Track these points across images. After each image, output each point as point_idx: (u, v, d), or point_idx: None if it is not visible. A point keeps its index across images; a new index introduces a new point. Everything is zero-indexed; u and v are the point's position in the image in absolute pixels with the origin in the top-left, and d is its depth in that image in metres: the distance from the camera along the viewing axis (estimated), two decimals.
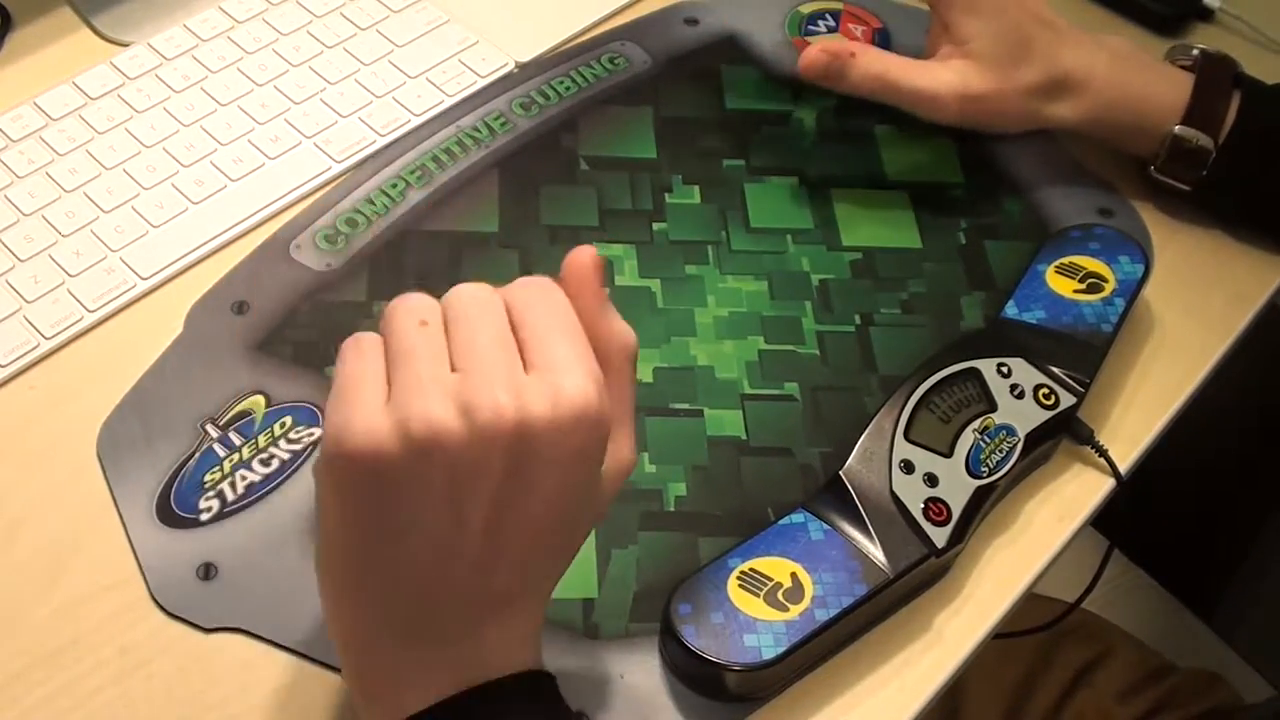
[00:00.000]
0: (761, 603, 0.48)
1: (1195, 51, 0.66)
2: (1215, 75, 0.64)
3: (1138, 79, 0.65)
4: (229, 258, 0.62)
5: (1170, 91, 0.64)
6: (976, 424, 0.54)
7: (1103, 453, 0.57)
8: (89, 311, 0.59)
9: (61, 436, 0.55)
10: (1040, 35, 0.64)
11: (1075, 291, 0.60)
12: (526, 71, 0.71)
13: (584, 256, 0.42)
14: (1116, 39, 0.66)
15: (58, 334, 0.58)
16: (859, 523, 0.51)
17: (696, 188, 0.66)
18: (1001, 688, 0.80)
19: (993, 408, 0.55)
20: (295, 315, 0.59)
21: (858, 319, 0.61)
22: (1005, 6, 0.64)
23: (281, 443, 0.55)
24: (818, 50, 0.64)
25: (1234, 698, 0.82)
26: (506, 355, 0.39)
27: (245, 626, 0.49)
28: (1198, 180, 0.64)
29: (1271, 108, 0.64)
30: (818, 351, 0.60)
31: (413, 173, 0.65)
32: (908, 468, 0.52)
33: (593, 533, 0.53)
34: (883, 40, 0.75)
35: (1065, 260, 0.61)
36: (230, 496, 0.53)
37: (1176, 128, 0.63)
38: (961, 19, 0.64)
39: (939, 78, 0.64)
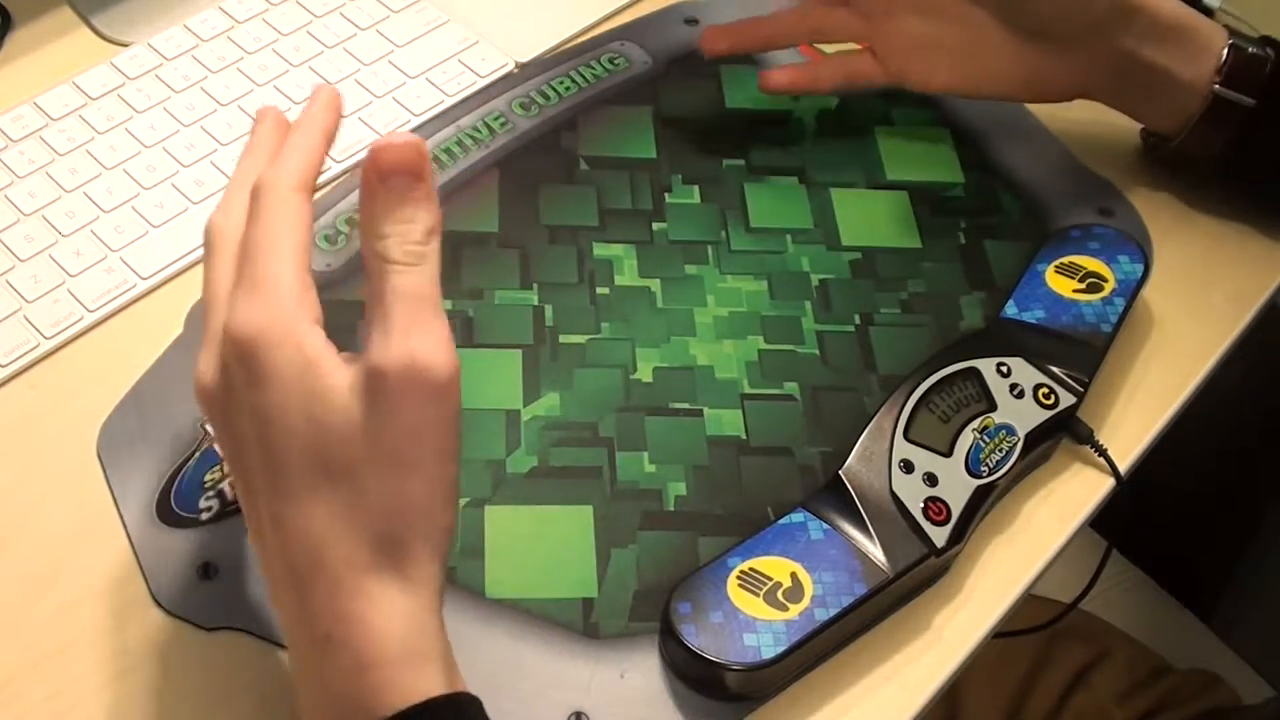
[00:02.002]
0: (761, 602, 0.48)
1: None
2: (1235, 29, 0.64)
3: (1170, 3, 0.63)
4: None
5: (1206, 22, 0.63)
6: (976, 423, 0.54)
7: (1102, 452, 0.57)
8: (89, 311, 0.59)
9: (61, 436, 0.55)
10: None
11: (1075, 291, 0.60)
12: (526, 71, 0.71)
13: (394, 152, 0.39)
14: None
15: (58, 334, 0.58)
16: (859, 522, 0.51)
17: (696, 188, 0.66)
18: (1000, 688, 0.81)
19: (992, 407, 0.55)
20: None
21: (857, 319, 0.61)
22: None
23: None
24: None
25: (1232, 698, 0.82)
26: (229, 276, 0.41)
27: (245, 626, 0.49)
28: (1264, 91, 0.62)
29: None
30: (817, 351, 0.60)
31: None
32: (907, 467, 0.52)
33: (592, 532, 0.53)
34: None
35: (1065, 260, 0.61)
36: (230, 496, 0.53)
37: (1231, 40, 0.62)
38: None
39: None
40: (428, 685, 0.38)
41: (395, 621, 0.38)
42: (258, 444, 0.39)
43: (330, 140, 0.44)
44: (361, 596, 0.38)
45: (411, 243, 0.39)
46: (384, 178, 0.39)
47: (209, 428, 0.42)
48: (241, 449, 0.40)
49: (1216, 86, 0.62)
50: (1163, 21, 0.62)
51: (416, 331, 0.38)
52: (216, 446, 0.42)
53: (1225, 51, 0.62)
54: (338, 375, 0.39)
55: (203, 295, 0.42)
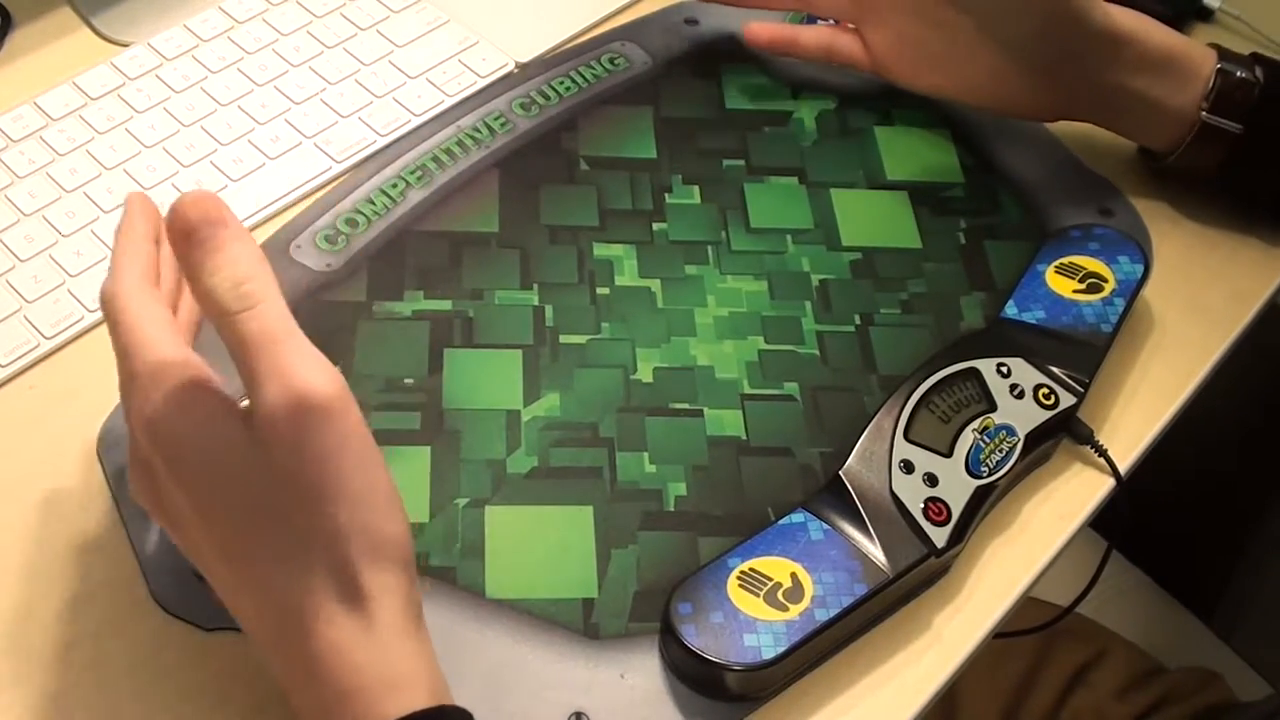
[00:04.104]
0: (761, 602, 0.48)
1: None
2: (1229, 50, 0.64)
3: (1160, 32, 0.63)
4: None
5: (1194, 47, 0.63)
6: (976, 424, 0.54)
7: (1102, 452, 0.57)
8: (89, 311, 0.59)
9: (61, 436, 0.55)
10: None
11: (1075, 291, 0.60)
12: (527, 71, 0.71)
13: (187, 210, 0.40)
14: None
15: (58, 334, 0.58)
16: (859, 523, 0.51)
17: (696, 188, 0.66)
18: (999, 688, 0.81)
19: (992, 408, 0.55)
20: (295, 315, 0.58)
21: (858, 319, 0.61)
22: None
23: None
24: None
25: (1230, 695, 0.82)
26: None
27: None
28: (1250, 117, 0.62)
29: None
30: (818, 351, 0.60)
31: (413, 173, 0.65)
32: (907, 467, 0.52)
33: (592, 533, 0.53)
34: None
35: (1065, 260, 0.61)
36: None
37: (1219, 64, 0.62)
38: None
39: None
40: (400, 706, 0.39)
41: (361, 650, 0.39)
42: (194, 517, 0.40)
43: (153, 237, 0.46)
44: (327, 632, 0.39)
45: (236, 286, 0.39)
46: (188, 236, 0.39)
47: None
48: (186, 529, 0.41)
49: (1204, 114, 0.62)
50: (1151, 52, 0.62)
51: (280, 369, 0.38)
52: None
53: (1212, 78, 0.62)
54: (238, 433, 0.39)
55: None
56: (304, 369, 0.38)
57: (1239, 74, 0.62)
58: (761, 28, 0.69)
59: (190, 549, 0.42)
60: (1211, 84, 0.62)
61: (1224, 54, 0.63)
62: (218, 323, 0.39)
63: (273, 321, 0.39)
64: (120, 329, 0.41)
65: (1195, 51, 0.63)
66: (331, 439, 0.38)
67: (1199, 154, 0.64)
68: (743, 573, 0.49)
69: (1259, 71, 0.62)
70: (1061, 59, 0.62)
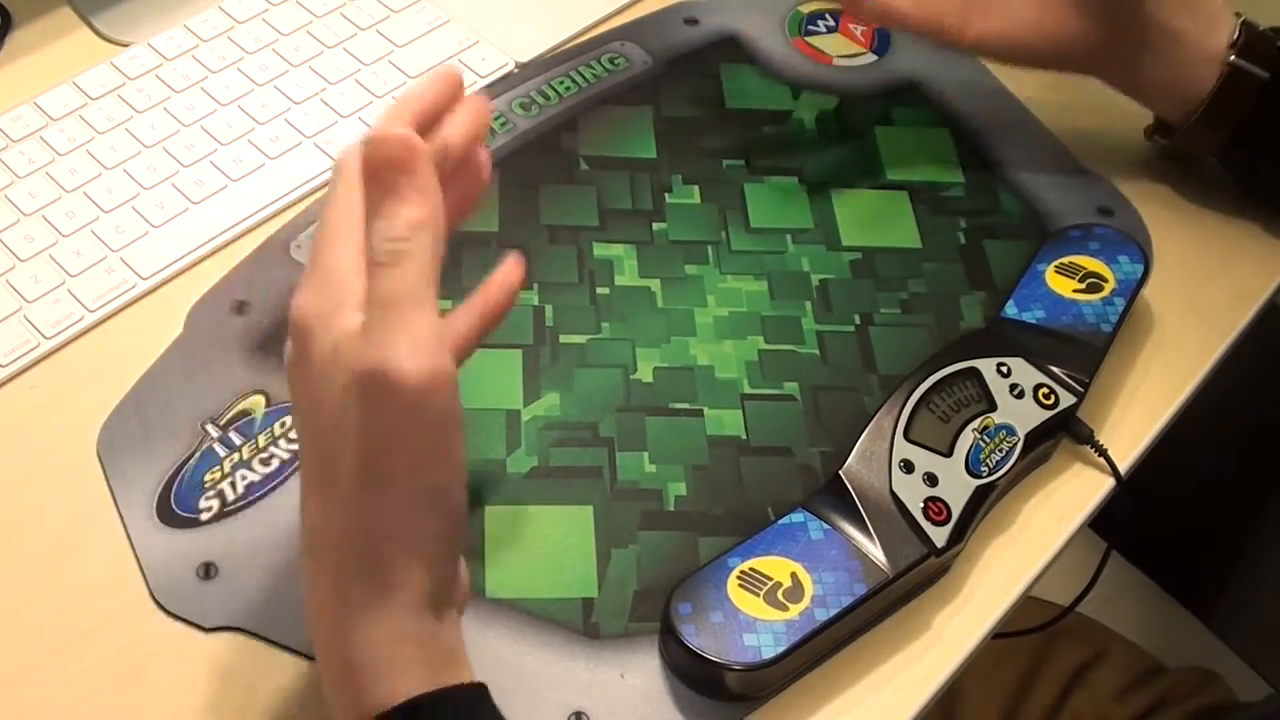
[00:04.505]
0: (761, 602, 0.48)
1: None
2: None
3: None
4: (229, 258, 0.62)
5: None
6: (976, 423, 0.54)
7: (1103, 452, 0.57)
8: (89, 311, 0.59)
9: (61, 436, 0.55)
10: None
11: (1075, 291, 0.60)
12: (526, 71, 0.71)
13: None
14: None
15: (58, 334, 0.58)
16: (859, 522, 0.51)
17: (696, 188, 0.66)
18: (998, 688, 0.81)
19: (992, 407, 0.55)
20: None
21: (857, 319, 0.61)
22: None
23: (281, 442, 0.55)
24: None
25: (1230, 695, 0.82)
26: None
27: (245, 626, 0.49)
28: (1278, 62, 0.62)
29: None
30: (818, 351, 0.60)
31: None
32: (907, 467, 0.52)
33: (592, 532, 0.53)
34: (883, 40, 0.75)
35: (1065, 260, 0.61)
36: (230, 496, 0.53)
37: (1241, 16, 0.62)
38: None
39: None
40: (410, 688, 0.39)
41: (386, 634, 0.39)
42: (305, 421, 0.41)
43: (435, 109, 0.43)
44: (359, 615, 0.39)
45: (391, 238, 0.38)
46: (373, 173, 0.39)
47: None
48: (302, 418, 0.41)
49: (1233, 57, 0.62)
50: None
51: (387, 337, 0.37)
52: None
53: (1238, 27, 0.62)
54: (343, 375, 0.38)
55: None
56: (404, 346, 0.37)
57: (1261, 28, 0.62)
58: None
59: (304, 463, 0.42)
60: (1237, 31, 0.62)
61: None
62: (367, 265, 0.39)
63: (404, 286, 0.38)
64: (331, 209, 0.41)
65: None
66: (398, 427, 0.38)
67: (1215, 119, 0.63)
68: (743, 572, 0.49)
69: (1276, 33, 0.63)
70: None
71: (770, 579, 0.49)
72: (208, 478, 0.54)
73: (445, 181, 0.41)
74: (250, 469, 0.54)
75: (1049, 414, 0.55)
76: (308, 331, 0.40)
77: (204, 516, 0.52)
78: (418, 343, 0.37)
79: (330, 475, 0.39)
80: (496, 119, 0.68)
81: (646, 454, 0.56)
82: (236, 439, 0.55)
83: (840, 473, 0.52)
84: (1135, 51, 0.64)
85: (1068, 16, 0.63)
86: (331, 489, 0.39)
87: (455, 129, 0.44)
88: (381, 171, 0.39)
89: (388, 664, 0.39)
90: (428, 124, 0.43)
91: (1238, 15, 0.63)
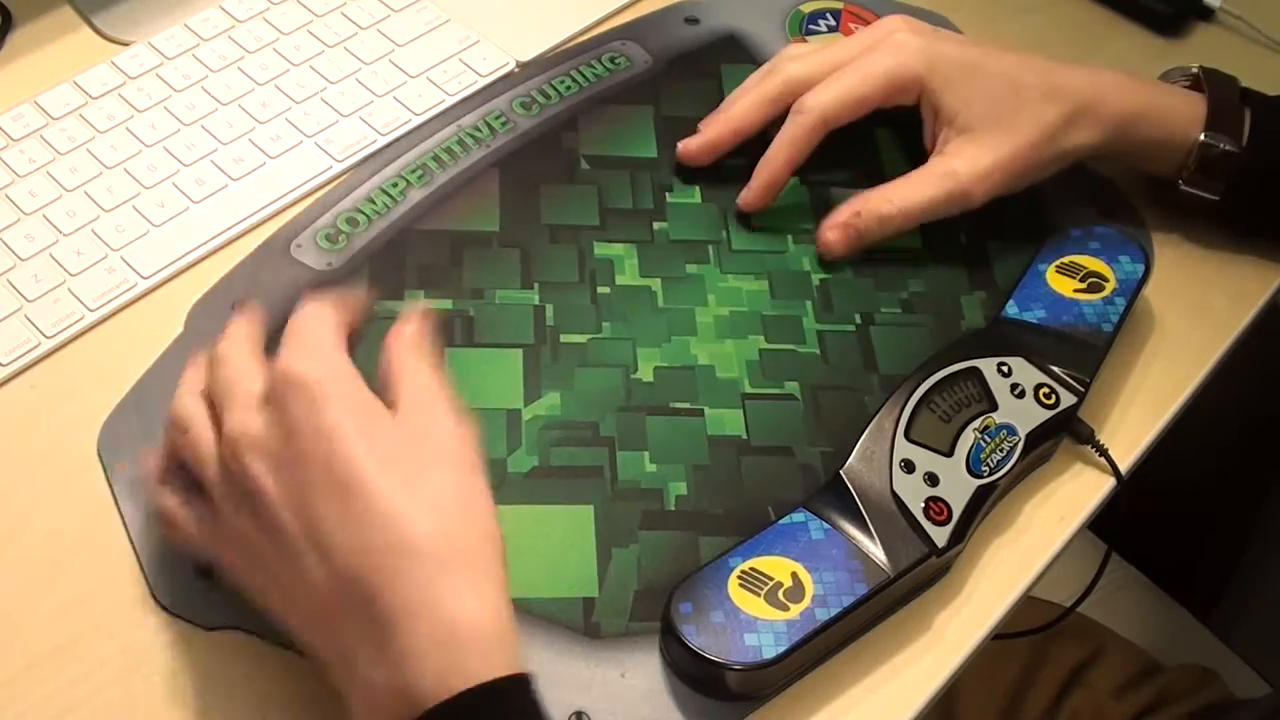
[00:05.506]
0: (762, 602, 0.48)
1: (1194, 69, 0.66)
2: (1223, 88, 0.64)
3: (1151, 94, 0.63)
4: (230, 257, 0.62)
5: (1185, 104, 0.63)
6: (977, 423, 0.54)
7: (1103, 452, 0.57)
8: (90, 311, 0.59)
9: (61, 436, 0.55)
10: (1027, 77, 0.62)
11: (1076, 291, 0.60)
12: (527, 71, 0.71)
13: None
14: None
15: (58, 333, 0.58)
16: (859, 522, 0.51)
17: (697, 187, 0.66)
18: (996, 688, 0.81)
19: (993, 407, 0.55)
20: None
21: (858, 318, 0.61)
22: (975, 68, 0.62)
23: None
24: (830, 232, 0.63)
25: (1227, 694, 0.82)
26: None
27: (245, 626, 0.49)
28: (1224, 191, 0.63)
29: None
30: (818, 351, 0.60)
31: (413, 172, 0.65)
32: (908, 467, 0.52)
33: (593, 532, 0.53)
34: None
35: (1066, 260, 0.61)
36: None
37: (1202, 135, 0.62)
38: (943, 99, 0.62)
39: (951, 173, 0.62)
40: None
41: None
42: (325, 459, 0.42)
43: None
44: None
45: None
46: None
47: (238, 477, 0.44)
48: (301, 474, 0.43)
49: (1180, 184, 0.64)
50: (1137, 142, 0.63)
51: (284, 355, 0.45)
52: (243, 496, 0.44)
53: (1194, 151, 0.62)
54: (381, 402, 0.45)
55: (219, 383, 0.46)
56: (293, 355, 0.45)
57: (1222, 146, 0.62)
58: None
59: (284, 501, 0.43)
60: (1192, 159, 0.63)
61: (1211, 116, 0.63)
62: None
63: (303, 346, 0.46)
64: (298, 324, 0.47)
65: (1179, 128, 0.63)
66: (313, 409, 0.43)
67: (1195, 194, 0.64)
68: (743, 572, 0.49)
69: (1249, 118, 0.63)
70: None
71: (771, 579, 0.49)
72: None
73: None
74: None
75: (1050, 414, 0.55)
76: (320, 385, 0.44)
77: None
78: (306, 347, 0.45)
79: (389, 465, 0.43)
80: (497, 118, 0.68)
81: (647, 453, 0.56)
82: None
83: (841, 472, 0.52)
84: (1123, 149, 0.64)
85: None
86: (308, 538, 0.42)
87: None
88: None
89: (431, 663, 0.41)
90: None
91: (1204, 114, 0.63)
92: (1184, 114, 0.63)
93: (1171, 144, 0.63)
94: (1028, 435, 0.54)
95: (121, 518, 0.52)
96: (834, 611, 0.48)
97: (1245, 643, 0.93)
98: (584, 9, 0.75)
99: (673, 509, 0.54)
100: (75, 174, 0.63)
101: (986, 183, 0.62)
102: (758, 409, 0.58)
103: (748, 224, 0.65)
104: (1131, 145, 0.63)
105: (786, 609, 0.48)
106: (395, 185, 0.65)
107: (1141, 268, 0.61)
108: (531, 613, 0.50)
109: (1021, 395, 0.55)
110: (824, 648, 0.50)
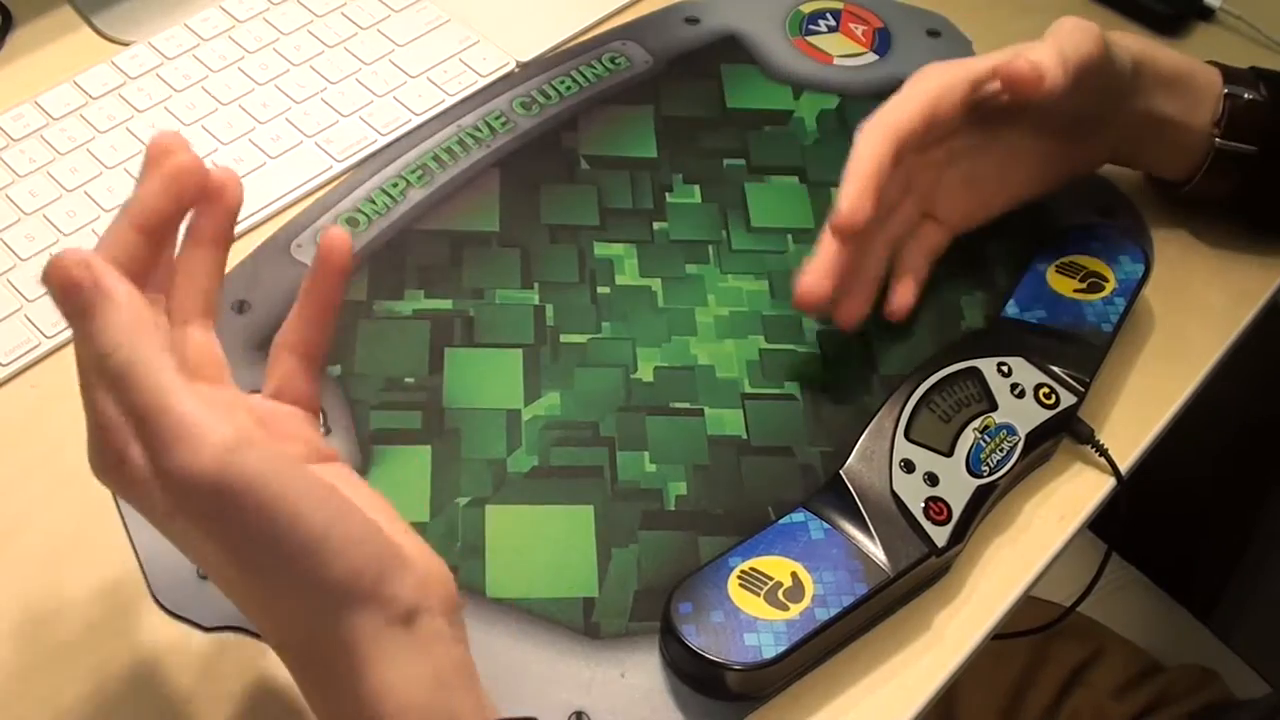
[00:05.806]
0: (762, 602, 0.48)
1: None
2: (1230, 67, 0.64)
3: (1176, 58, 0.62)
4: (230, 257, 0.61)
5: (1199, 65, 0.62)
6: (977, 423, 0.54)
7: (1103, 452, 0.57)
8: None
9: (62, 436, 0.55)
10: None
11: (1076, 291, 0.60)
12: (527, 71, 0.71)
13: None
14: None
15: (59, 333, 0.58)
16: (859, 522, 0.51)
17: (697, 187, 0.66)
18: (996, 688, 0.81)
19: (993, 407, 0.55)
20: None
21: None
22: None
23: None
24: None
25: (1227, 694, 0.82)
26: None
27: (245, 626, 0.49)
28: (1266, 140, 0.61)
29: None
30: (818, 351, 0.60)
31: (413, 172, 0.65)
32: (908, 467, 0.52)
33: (593, 532, 0.53)
34: (883, 39, 0.75)
35: (1066, 259, 0.61)
36: None
37: (1226, 87, 0.62)
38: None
39: (1036, 50, 0.56)
40: None
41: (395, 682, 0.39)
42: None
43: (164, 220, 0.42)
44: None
45: (101, 356, 0.37)
46: (60, 302, 0.37)
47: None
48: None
49: (1217, 140, 0.62)
50: (1163, 71, 0.61)
51: (154, 448, 0.36)
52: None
53: (1221, 102, 0.62)
54: (159, 506, 0.39)
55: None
56: (169, 450, 0.36)
57: (1246, 95, 0.62)
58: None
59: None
60: (1221, 108, 0.61)
61: (1228, 74, 0.62)
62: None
63: (138, 397, 0.36)
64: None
65: (1200, 70, 0.62)
66: (208, 510, 0.36)
67: (1215, 179, 0.63)
68: (743, 572, 0.49)
69: (1263, 89, 0.62)
70: (1098, 111, 0.60)
71: (771, 579, 0.49)
72: None
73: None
74: None
75: (1050, 414, 0.55)
76: (119, 488, 0.39)
77: None
78: (181, 437, 0.35)
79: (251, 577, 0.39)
80: (497, 118, 0.68)
81: (647, 453, 0.56)
82: None
83: (841, 472, 0.52)
84: (1135, 145, 0.64)
85: (1076, 153, 0.62)
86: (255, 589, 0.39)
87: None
88: (66, 299, 0.37)
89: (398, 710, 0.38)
90: (161, 230, 0.42)
91: (1222, 75, 0.62)
92: (1204, 75, 0.62)
93: (1203, 94, 0.61)
94: (1028, 435, 0.54)
95: (121, 518, 0.52)
96: (834, 611, 0.48)
97: (1245, 643, 0.93)
98: (584, 9, 0.75)
99: (672, 509, 0.54)
100: (75, 174, 0.63)
101: (1075, 74, 0.56)
102: (758, 409, 0.58)
103: (748, 224, 0.65)
104: (1169, 107, 0.61)
105: (786, 609, 0.48)
106: (395, 185, 0.65)
107: (1141, 267, 0.61)
108: (532, 612, 0.50)
109: (1021, 395, 0.55)
110: (824, 648, 0.50)
